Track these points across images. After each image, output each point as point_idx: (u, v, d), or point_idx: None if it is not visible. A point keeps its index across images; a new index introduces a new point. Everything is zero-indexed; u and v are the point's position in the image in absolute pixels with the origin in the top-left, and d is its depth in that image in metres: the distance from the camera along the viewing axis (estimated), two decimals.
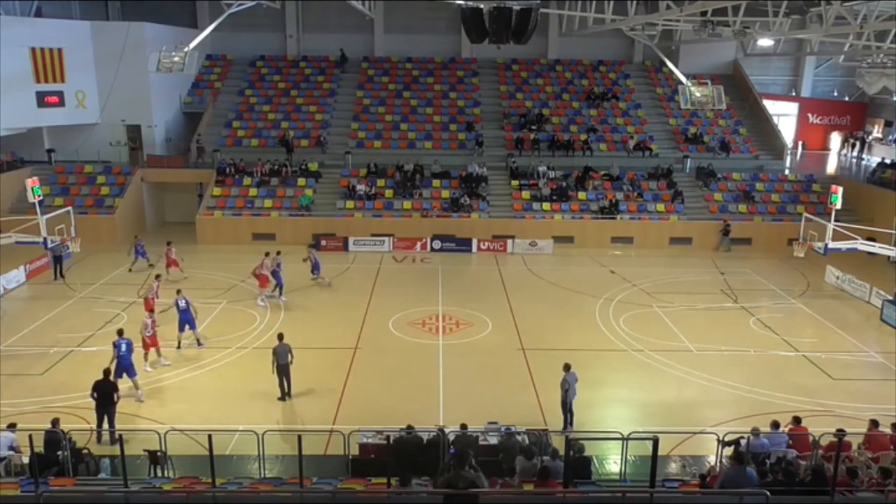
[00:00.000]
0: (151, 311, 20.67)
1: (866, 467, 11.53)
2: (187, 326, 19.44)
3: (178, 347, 19.39)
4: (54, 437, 12.37)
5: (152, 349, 18.30)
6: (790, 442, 12.79)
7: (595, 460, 13.60)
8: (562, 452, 10.96)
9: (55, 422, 12.70)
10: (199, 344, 19.65)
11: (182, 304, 19.44)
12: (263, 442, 12.73)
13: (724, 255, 30.67)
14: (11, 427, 12.80)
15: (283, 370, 16.57)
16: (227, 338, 20.25)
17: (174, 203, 35.92)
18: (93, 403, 14.78)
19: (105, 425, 14.65)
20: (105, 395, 14.64)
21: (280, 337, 16.86)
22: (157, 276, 21.98)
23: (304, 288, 25.39)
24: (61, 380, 17.47)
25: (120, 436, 10.33)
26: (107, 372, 15.02)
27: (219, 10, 31.01)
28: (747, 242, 31.76)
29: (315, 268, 25.65)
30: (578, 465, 11.56)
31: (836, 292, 25.81)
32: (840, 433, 11.70)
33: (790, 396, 16.90)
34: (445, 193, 32.92)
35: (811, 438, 12.67)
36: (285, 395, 16.62)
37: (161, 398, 16.67)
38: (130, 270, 26.66)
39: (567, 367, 15.33)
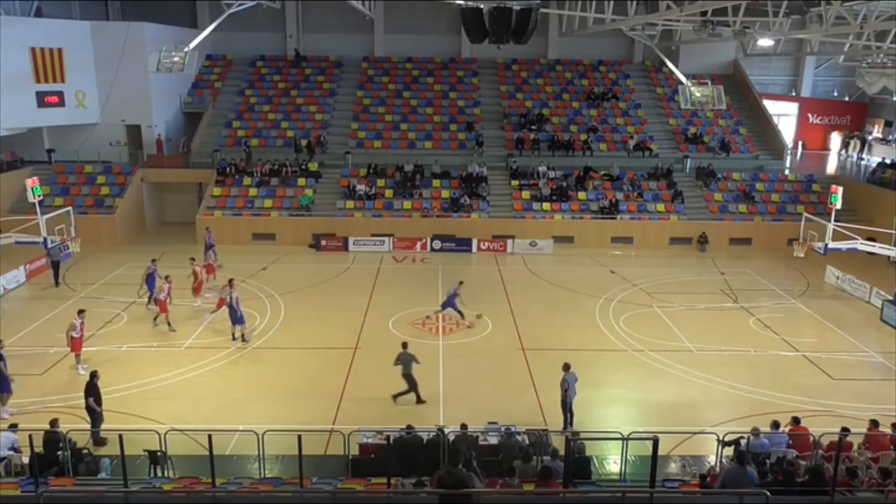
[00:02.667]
0: (166, 312, 20.88)
1: (866, 467, 11.54)
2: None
3: (234, 339, 20.01)
4: (53, 438, 12.35)
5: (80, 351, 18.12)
6: (790, 442, 12.79)
7: (595, 460, 13.61)
8: (562, 452, 10.96)
9: (54, 422, 12.68)
10: (244, 339, 20.06)
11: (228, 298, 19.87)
12: (263, 442, 12.73)
13: (677, 254, 30.89)
14: (13, 427, 12.79)
15: (407, 379, 16.44)
16: (227, 338, 20.21)
17: (174, 203, 35.92)
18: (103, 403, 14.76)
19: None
20: (96, 395, 14.62)
21: (404, 345, 16.72)
22: (167, 277, 21.86)
23: (304, 288, 25.38)
24: (61, 380, 17.49)
25: (120, 436, 10.32)
26: (93, 374, 14.87)
27: (219, 10, 31.01)
28: (747, 242, 31.77)
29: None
30: (578, 465, 11.55)
31: (836, 292, 25.81)
32: (844, 432, 11.72)
33: (790, 396, 16.90)
34: (445, 193, 32.92)
35: (811, 438, 12.68)
36: (419, 398, 16.52)
37: (161, 398, 16.65)
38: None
39: (567, 367, 15.33)
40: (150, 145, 34.93)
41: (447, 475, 7.68)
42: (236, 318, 19.93)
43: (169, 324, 20.93)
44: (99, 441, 14.37)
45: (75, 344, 17.93)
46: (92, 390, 14.56)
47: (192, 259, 23.53)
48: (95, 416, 14.62)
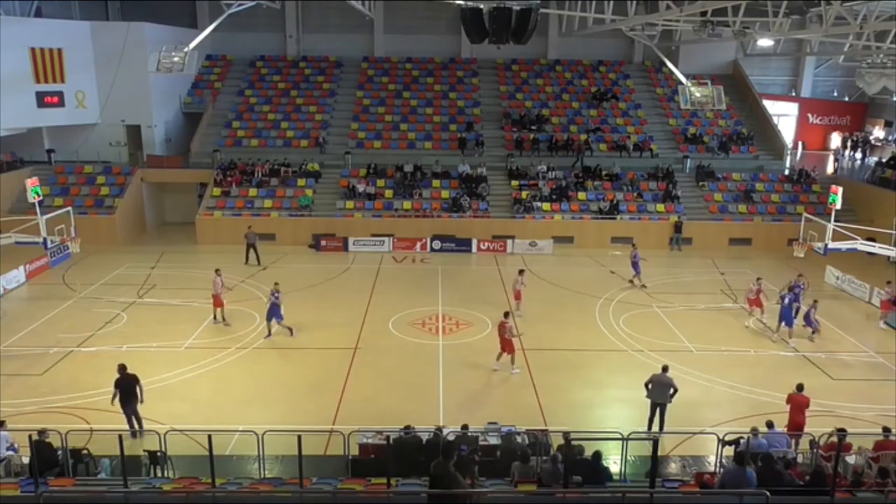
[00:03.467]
0: (221, 305, 21.34)
1: (867, 467, 11.55)
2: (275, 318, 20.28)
3: (269, 335, 20.33)
4: (43, 446, 11.97)
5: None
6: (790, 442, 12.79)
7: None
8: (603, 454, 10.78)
9: (42, 433, 12.29)
10: (268, 334, 20.34)
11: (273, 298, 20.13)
12: (263, 442, 12.74)
13: (677, 254, 31.13)
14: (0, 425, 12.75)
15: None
16: (227, 338, 20.22)
17: (174, 203, 35.93)
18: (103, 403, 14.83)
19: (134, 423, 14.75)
20: (127, 390, 14.63)
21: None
22: (217, 270, 21.77)
23: (303, 288, 25.39)
24: (61, 380, 17.48)
25: (119, 436, 10.33)
26: (122, 367, 14.84)
27: (219, 10, 31.01)
28: (747, 242, 31.78)
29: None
30: (595, 473, 11.04)
31: (836, 292, 25.81)
32: (841, 432, 11.70)
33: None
34: (445, 193, 32.92)
35: (811, 438, 12.70)
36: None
37: (161, 398, 16.64)
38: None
39: (665, 369, 15.13)
40: (151, 145, 34.94)
41: (435, 466, 7.77)
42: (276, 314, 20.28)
43: (224, 318, 21.32)
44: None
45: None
46: (116, 384, 14.62)
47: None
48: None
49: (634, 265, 25.88)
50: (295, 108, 37.84)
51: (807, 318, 20.92)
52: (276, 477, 12.41)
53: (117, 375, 14.71)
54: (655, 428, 14.61)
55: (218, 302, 21.27)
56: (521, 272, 23.17)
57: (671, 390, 14.79)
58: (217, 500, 9.25)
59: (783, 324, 20.60)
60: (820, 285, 26.52)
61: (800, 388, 14.38)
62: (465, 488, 8.17)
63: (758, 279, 22.35)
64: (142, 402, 14.87)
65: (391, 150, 35.68)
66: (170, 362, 18.63)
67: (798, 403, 14.07)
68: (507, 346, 18.12)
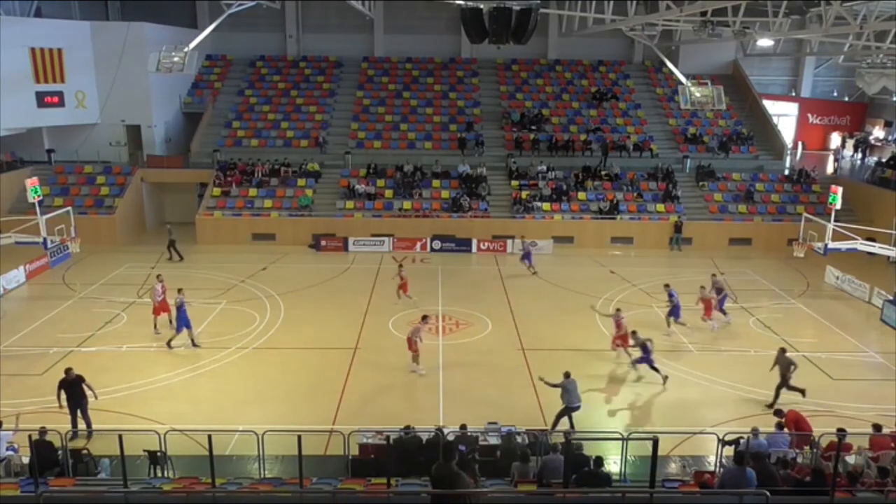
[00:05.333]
0: (160, 313, 20.54)
1: (866, 467, 11.55)
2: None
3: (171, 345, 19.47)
4: (43, 446, 12.07)
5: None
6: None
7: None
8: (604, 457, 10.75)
9: (43, 431, 12.38)
10: (194, 344, 19.55)
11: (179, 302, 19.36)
12: (263, 442, 12.74)
13: (677, 254, 31.09)
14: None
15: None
16: (227, 338, 20.23)
17: (174, 203, 35.91)
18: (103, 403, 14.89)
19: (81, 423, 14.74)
20: (73, 391, 14.70)
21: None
22: (158, 276, 21.79)
23: (303, 288, 25.39)
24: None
25: (120, 436, 10.32)
26: (68, 370, 14.90)
27: (219, 10, 31.01)
28: (747, 242, 31.79)
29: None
30: (595, 478, 10.55)
31: (836, 292, 25.80)
32: (841, 432, 11.71)
33: (790, 396, 16.86)
34: (445, 193, 32.92)
35: (811, 438, 12.70)
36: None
37: (161, 398, 16.66)
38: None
39: (567, 375, 15.18)
40: (151, 145, 34.94)
41: (437, 469, 7.78)
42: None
43: (156, 327, 20.45)
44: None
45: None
46: (61, 384, 14.68)
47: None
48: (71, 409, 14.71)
49: (527, 256, 27.24)
50: (295, 108, 37.84)
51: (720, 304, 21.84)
52: (276, 477, 12.42)
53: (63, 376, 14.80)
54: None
55: (158, 310, 20.42)
56: (400, 266, 23.98)
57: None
58: (217, 500, 9.25)
59: (673, 318, 21.03)
60: (820, 285, 26.53)
61: (778, 413, 14.16)
62: (470, 487, 8.16)
63: (617, 310, 19.86)
64: (96, 398, 14.98)
65: (391, 150, 35.67)
66: (170, 362, 18.63)
67: (796, 417, 13.79)
68: (410, 344, 18.07)
